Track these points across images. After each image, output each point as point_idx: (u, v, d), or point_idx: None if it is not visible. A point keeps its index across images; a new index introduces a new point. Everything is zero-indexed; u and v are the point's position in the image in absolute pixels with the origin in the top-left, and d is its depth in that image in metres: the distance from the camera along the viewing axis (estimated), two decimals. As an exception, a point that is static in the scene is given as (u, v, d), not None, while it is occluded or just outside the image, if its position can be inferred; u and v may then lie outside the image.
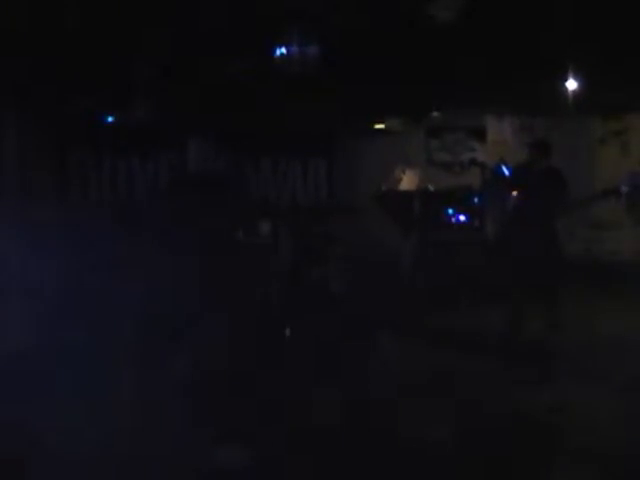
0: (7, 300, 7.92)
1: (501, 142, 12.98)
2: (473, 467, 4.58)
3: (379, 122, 13.09)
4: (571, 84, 12.11)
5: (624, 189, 11.94)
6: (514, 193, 7.72)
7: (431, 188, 11.10)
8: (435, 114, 13.01)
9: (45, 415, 5.23)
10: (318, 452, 4.75)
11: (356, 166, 13.02)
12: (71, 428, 4.96)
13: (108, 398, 5.49)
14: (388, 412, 5.44)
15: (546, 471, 4.59)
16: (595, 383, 6.12)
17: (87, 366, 6.04)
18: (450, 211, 10.30)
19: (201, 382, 6.00)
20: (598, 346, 7.28)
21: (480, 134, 13.44)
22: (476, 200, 10.51)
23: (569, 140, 12.55)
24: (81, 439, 4.79)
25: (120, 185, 12.92)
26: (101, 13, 8.91)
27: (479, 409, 5.57)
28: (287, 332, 7.47)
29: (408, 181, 11.02)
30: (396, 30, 10.61)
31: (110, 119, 12.78)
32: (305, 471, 4.52)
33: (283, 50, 9.31)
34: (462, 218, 10.28)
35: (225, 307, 8.31)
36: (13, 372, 6.29)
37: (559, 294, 7.48)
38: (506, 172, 11.28)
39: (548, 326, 7.46)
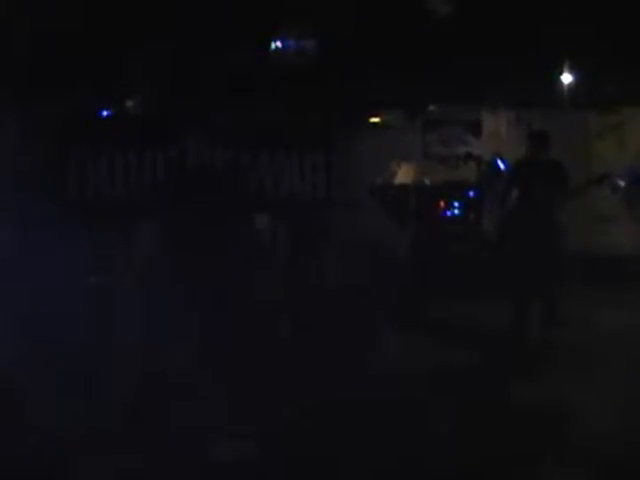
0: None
1: (497, 136, 12.96)
2: (471, 465, 4.58)
3: (375, 116, 13.09)
4: (567, 77, 12.11)
5: (621, 183, 11.95)
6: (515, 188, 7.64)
7: (427, 182, 11.10)
8: (431, 108, 13.01)
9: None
10: (316, 449, 4.77)
11: (352, 160, 12.99)
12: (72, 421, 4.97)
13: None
14: (386, 409, 5.44)
15: (544, 469, 4.58)
16: (595, 379, 6.10)
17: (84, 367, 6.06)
18: (446, 205, 10.30)
19: (201, 377, 6.00)
20: (597, 342, 7.25)
21: (476, 128, 13.41)
22: (471, 194, 10.52)
23: (565, 134, 12.52)
24: (79, 437, 4.79)
25: (117, 180, 12.88)
26: (100, 10, 8.90)
27: (476, 406, 5.57)
28: (283, 325, 7.47)
29: (403, 175, 11.03)
30: (393, 24, 10.60)
31: (107, 113, 12.76)
32: (302, 467, 4.54)
33: (279, 43, 9.30)
34: (457, 212, 10.29)
35: (221, 301, 8.31)
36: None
37: (559, 289, 7.44)
38: (502, 166, 11.27)
39: (547, 322, 7.42)
